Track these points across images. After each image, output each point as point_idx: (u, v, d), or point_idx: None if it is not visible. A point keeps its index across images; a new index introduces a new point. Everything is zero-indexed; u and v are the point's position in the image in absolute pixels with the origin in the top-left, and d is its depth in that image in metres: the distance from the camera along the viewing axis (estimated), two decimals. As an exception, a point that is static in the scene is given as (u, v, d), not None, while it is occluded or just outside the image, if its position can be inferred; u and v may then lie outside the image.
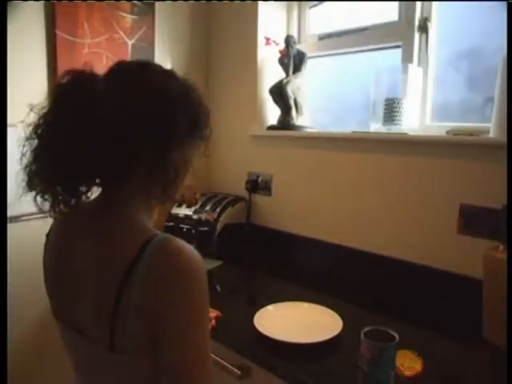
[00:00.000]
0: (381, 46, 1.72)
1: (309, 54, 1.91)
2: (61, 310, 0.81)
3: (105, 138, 0.68)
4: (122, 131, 0.69)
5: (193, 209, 1.98)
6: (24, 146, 0.71)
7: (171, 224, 1.95)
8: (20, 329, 1.62)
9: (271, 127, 1.98)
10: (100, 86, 0.70)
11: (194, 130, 0.80)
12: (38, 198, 0.73)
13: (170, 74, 0.78)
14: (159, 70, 0.78)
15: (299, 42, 1.99)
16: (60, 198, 0.72)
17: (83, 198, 0.75)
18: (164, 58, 1.97)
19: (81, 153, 0.68)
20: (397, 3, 1.65)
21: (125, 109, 0.69)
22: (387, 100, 1.58)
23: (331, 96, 1.99)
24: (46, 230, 0.85)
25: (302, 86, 1.94)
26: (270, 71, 2.02)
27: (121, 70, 0.75)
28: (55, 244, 0.82)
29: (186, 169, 0.82)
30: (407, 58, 1.62)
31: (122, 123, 0.68)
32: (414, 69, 1.58)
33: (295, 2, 2.02)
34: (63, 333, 0.82)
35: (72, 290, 0.76)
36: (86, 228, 0.76)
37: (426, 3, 1.59)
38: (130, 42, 1.83)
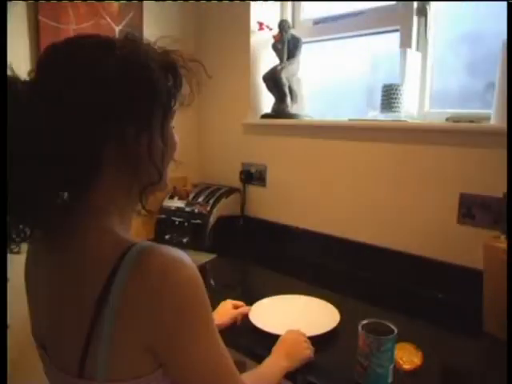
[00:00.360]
0: (378, 30, 1.71)
1: (304, 40, 1.90)
2: (36, 331, 0.76)
3: (50, 147, 0.60)
4: (58, 135, 0.61)
5: (185, 201, 1.98)
6: None
7: (163, 217, 1.95)
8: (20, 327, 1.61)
9: (265, 116, 1.97)
10: (23, 94, 0.61)
11: (154, 108, 0.68)
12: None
13: (105, 46, 0.66)
14: (90, 43, 0.66)
15: (293, 27, 1.97)
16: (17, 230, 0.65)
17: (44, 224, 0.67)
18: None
19: (31, 172, 0.60)
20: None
21: (54, 113, 0.61)
22: (385, 86, 1.57)
23: (327, 83, 1.98)
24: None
25: (297, 73, 1.93)
26: (264, 57, 2.00)
27: (48, 59, 0.65)
28: (29, 268, 0.77)
29: (160, 154, 0.71)
30: (405, 43, 1.61)
31: (56, 126, 0.61)
32: (412, 54, 1.57)
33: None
34: (40, 356, 0.76)
35: (47, 314, 0.71)
36: (56, 252, 0.69)
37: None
38: (117, 28, 1.81)
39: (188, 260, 0.65)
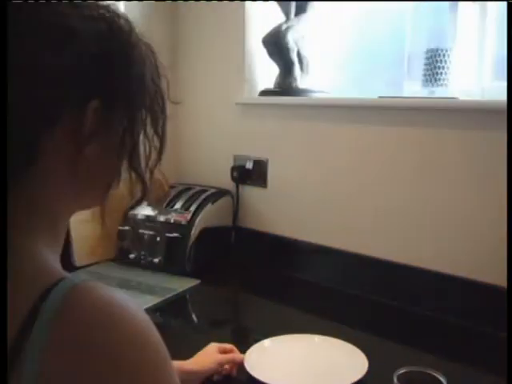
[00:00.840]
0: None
1: (318, -11, 1.90)
2: None
3: None
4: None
5: (157, 207, 1.97)
6: None
7: (127, 229, 1.94)
8: None
9: (265, 92, 1.96)
10: None
11: (111, 88, 0.69)
12: None
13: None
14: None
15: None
16: None
17: None
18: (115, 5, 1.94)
19: None
20: None
21: None
22: (429, 51, 1.56)
23: (350, 48, 1.97)
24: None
25: (309, 35, 1.92)
26: (264, 14, 2.00)
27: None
28: None
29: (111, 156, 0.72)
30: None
31: None
32: (467, 6, 1.56)
33: None
34: None
35: None
36: None
37: None
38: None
39: (134, 308, 0.63)
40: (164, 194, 1.97)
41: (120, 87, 0.69)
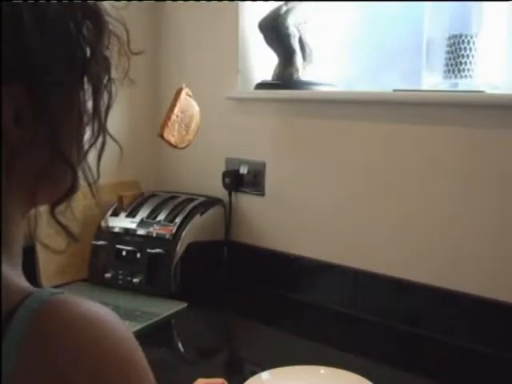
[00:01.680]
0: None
1: (322, -33, 1.90)
2: None
3: None
4: None
5: (137, 218, 1.96)
6: None
7: (101, 243, 1.94)
8: None
9: (262, 85, 1.97)
10: None
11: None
12: None
13: None
14: None
15: None
16: None
17: None
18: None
19: None
20: None
21: None
22: (451, 38, 1.57)
23: (360, 35, 1.97)
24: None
25: (313, 19, 1.92)
26: (258, 3, 2.00)
27: None
28: None
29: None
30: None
31: None
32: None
33: None
34: None
35: None
36: None
37: None
38: None
39: (115, 320, 0.64)
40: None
41: (42, 67, 0.66)
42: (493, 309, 1.54)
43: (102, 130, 0.74)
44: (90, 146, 0.75)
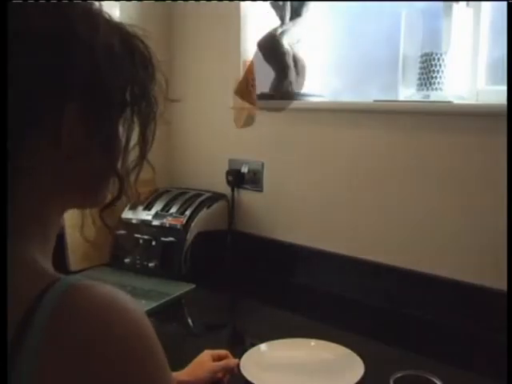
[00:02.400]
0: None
1: (313, -7, 1.90)
2: None
3: None
4: None
5: (152, 211, 1.96)
6: None
7: (122, 233, 1.94)
8: None
9: (261, 96, 1.95)
10: None
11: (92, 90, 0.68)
12: None
13: None
14: None
15: (299, -24, 1.97)
16: None
17: None
18: (110, 4, 1.93)
19: None
20: None
21: None
22: (423, 56, 1.57)
23: (345, 52, 1.97)
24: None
25: (304, 38, 1.92)
26: (259, 18, 2.00)
27: None
28: None
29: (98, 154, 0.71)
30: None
31: None
32: (461, 10, 1.56)
33: None
34: None
35: None
36: None
37: None
38: None
39: (131, 303, 0.64)
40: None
41: (100, 89, 0.68)
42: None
43: (143, 157, 0.76)
44: (135, 167, 0.76)
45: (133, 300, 0.64)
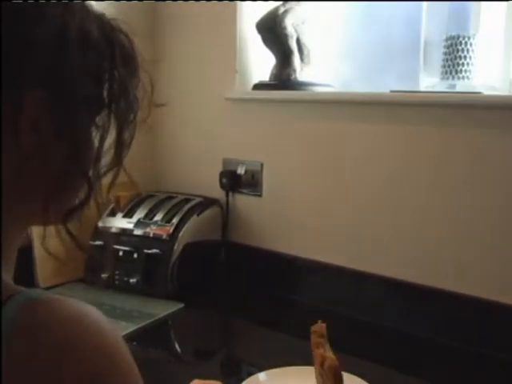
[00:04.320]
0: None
1: (320, -33, 1.91)
2: None
3: None
4: None
5: (134, 219, 1.96)
6: None
7: (99, 243, 1.93)
8: None
9: (260, 85, 1.97)
10: None
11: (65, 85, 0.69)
12: None
13: None
14: None
15: None
16: None
17: None
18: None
19: None
20: None
21: None
22: (448, 39, 1.57)
23: (357, 35, 1.98)
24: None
25: (310, 20, 1.93)
26: (256, 3, 2.00)
27: None
28: None
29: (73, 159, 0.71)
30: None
31: None
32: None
33: None
34: None
35: None
36: None
37: None
38: None
39: (100, 317, 0.64)
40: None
41: (68, 78, 0.68)
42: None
43: (118, 162, 0.76)
44: (106, 172, 0.76)
45: (102, 316, 0.64)
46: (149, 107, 0.79)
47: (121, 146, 0.76)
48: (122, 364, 0.64)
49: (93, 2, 0.75)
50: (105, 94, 0.74)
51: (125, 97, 0.75)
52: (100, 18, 0.74)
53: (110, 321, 0.65)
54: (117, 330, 0.65)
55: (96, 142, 0.74)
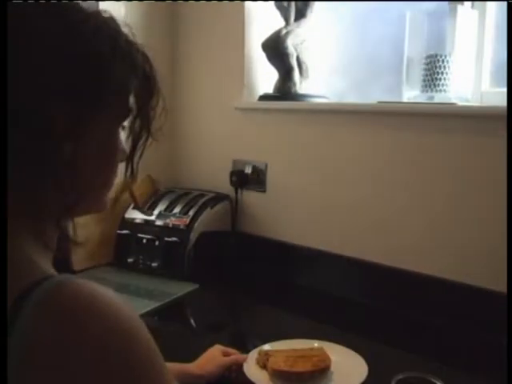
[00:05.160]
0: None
1: (317, -5, 1.90)
2: None
3: None
4: None
5: (156, 211, 1.96)
6: None
7: (125, 232, 1.94)
8: None
9: (265, 97, 1.97)
10: None
11: (97, 98, 0.68)
12: None
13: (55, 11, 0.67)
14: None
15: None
16: None
17: None
18: (114, 4, 1.92)
19: None
20: None
21: None
22: (428, 57, 1.56)
23: (349, 53, 1.97)
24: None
25: (309, 39, 1.92)
26: (264, 19, 2.00)
27: None
28: None
29: (89, 166, 0.71)
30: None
31: None
32: (466, 11, 1.56)
33: None
34: None
35: None
36: None
37: None
38: None
39: (122, 305, 0.63)
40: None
41: (93, 90, 0.68)
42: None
43: (132, 175, 0.77)
44: (124, 188, 0.78)
45: (124, 300, 0.64)
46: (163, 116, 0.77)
47: (131, 158, 0.76)
48: (138, 341, 0.62)
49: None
50: (129, 105, 0.73)
51: (140, 114, 0.74)
52: (124, 36, 0.72)
53: (126, 302, 0.64)
54: (133, 310, 0.64)
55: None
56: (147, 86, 0.74)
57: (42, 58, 0.63)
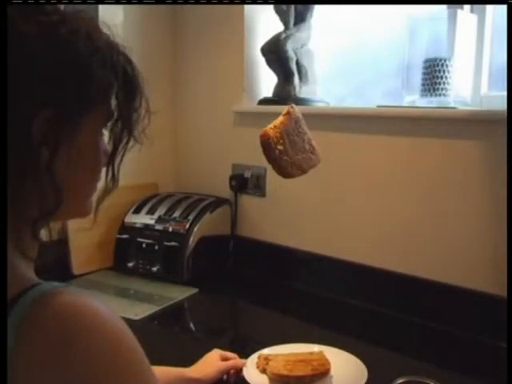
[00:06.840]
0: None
1: (317, -1, 1.90)
2: None
3: None
4: None
5: (155, 215, 1.96)
6: None
7: (125, 237, 1.94)
8: None
9: (264, 101, 1.97)
10: None
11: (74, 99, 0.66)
12: None
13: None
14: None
15: (303, -18, 1.98)
16: None
17: None
18: (112, 8, 1.91)
19: None
20: None
21: None
22: (427, 61, 1.56)
23: (348, 57, 1.97)
24: None
25: (308, 44, 1.92)
26: (263, 23, 2.01)
27: None
28: None
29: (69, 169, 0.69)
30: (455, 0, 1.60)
31: None
32: (465, 16, 1.56)
33: None
34: None
35: None
36: None
37: None
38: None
39: (106, 313, 0.63)
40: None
41: (76, 95, 0.66)
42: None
43: (114, 179, 0.76)
44: (106, 193, 0.76)
45: (107, 307, 0.63)
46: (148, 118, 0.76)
47: (113, 162, 0.75)
48: (123, 351, 0.62)
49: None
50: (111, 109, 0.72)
51: (121, 119, 0.73)
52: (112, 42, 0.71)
53: (109, 307, 0.63)
54: (120, 319, 0.64)
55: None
56: (129, 88, 0.72)
57: (17, 64, 0.61)
